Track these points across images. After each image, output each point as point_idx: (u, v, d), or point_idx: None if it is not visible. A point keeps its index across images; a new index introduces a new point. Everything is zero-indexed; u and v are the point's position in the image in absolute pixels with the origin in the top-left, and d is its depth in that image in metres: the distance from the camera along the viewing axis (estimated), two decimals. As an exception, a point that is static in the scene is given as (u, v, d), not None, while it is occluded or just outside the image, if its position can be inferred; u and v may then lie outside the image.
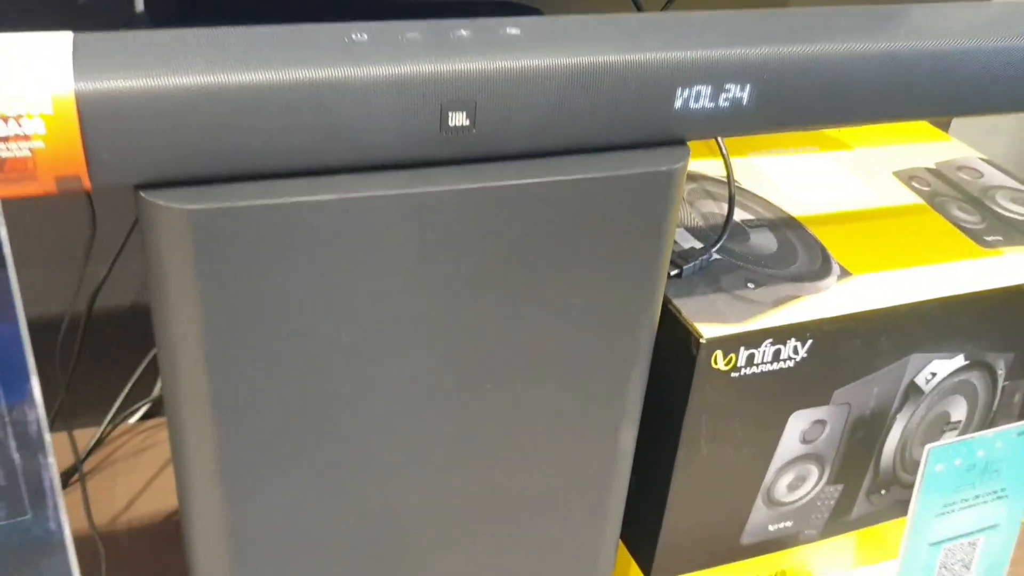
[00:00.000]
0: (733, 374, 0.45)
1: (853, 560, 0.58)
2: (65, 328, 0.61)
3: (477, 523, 0.42)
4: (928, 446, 0.49)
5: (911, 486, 0.56)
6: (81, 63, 0.29)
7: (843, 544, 0.57)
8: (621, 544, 0.54)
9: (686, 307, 0.45)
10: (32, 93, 0.28)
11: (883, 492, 0.55)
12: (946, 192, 0.59)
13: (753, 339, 0.45)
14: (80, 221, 0.61)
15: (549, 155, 0.36)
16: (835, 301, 0.47)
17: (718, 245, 0.50)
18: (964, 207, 0.58)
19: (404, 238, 0.34)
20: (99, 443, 0.63)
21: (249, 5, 0.45)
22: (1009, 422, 0.57)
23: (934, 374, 0.52)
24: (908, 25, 0.40)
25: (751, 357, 0.45)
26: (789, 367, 0.46)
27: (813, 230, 0.53)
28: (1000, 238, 0.54)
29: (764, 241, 0.51)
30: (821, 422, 0.50)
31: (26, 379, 0.36)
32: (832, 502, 0.54)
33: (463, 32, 0.34)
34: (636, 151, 0.36)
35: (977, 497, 0.52)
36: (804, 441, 0.50)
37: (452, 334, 0.37)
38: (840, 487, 0.53)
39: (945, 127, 0.91)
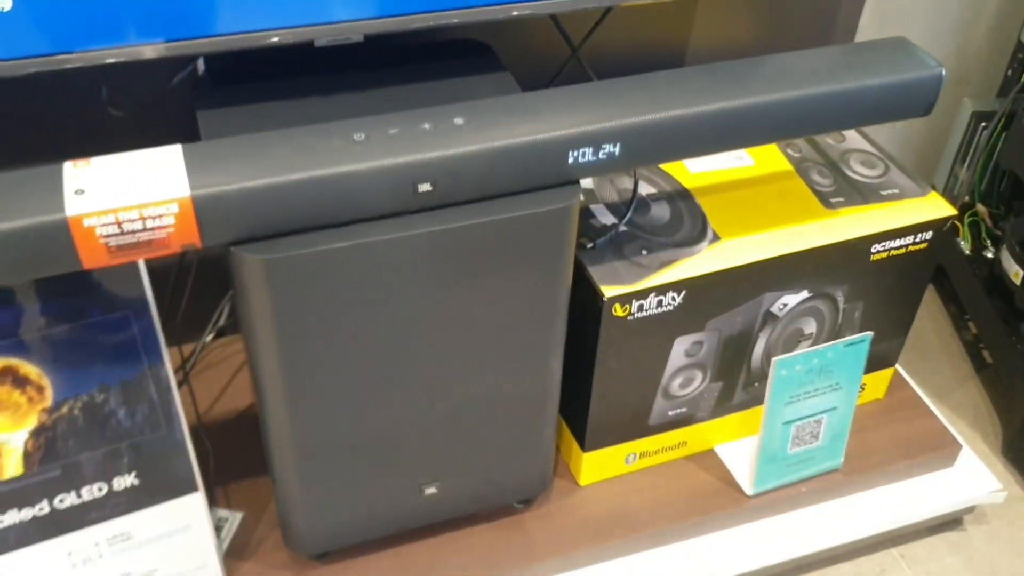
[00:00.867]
0: (629, 318, 0.65)
1: (737, 432, 0.79)
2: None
3: (462, 423, 0.64)
4: (774, 359, 0.69)
5: (776, 380, 0.76)
6: (192, 173, 0.48)
7: (729, 422, 0.78)
8: (565, 427, 0.75)
9: (596, 273, 0.65)
10: (164, 198, 0.47)
11: (756, 384, 0.76)
12: (812, 157, 0.77)
13: (641, 295, 0.64)
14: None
15: (485, 199, 0.54)
16: (705, 262, 0.66)
17: (624, 220, 0.68)
18: (823, 171, 0.76)
19: (397, 263, 0.53)
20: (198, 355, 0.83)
21: (280, 59, 0.62)
22: (852, 332, 0.77)
23: (785, 304, 0.71)
24: (741, 79, 0.57)
25: (641, 307, 0.65)
26: (670, 310, 0.66)
27: (699, 199, 0.71)
28: (843, 199, 0.73)
29: (660, 212, 0.70)
30: (699, 342, 0.70)
31: (160, 351, 0.56)
32: (716, 394, 0.75)
33: (425, 126, 0.52)
34: (544, 191, 0.55)
35: (817, 390, 0.73)
36: (688, 356, 0.70)
37: (436, 317, 0.57)
38: (720, 384, 0.74)
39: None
